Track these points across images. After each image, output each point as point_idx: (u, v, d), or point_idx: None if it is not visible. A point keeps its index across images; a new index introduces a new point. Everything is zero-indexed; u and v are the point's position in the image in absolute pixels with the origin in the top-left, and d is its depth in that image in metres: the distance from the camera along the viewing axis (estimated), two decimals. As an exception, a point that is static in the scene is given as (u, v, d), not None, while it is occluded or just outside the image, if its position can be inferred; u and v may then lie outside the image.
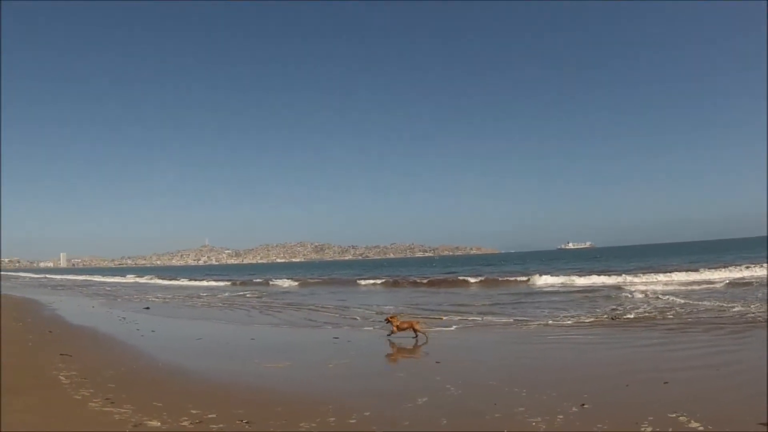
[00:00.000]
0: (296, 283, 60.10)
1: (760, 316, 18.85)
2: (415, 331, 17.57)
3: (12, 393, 10.46)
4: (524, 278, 42.20)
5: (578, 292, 32.78)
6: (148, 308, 33.43)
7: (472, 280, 49.05)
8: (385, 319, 18.96)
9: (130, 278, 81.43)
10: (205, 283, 57.58)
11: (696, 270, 41.13)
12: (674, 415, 8.18)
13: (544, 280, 38.81)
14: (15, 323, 23.13)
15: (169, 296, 44.72)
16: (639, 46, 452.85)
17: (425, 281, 53.94)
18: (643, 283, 34.85)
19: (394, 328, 17.69)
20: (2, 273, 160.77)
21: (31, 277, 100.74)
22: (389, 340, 17.37)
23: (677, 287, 31.90)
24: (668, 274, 38.70)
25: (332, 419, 8.97)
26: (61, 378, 12.03)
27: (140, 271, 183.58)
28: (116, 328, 22.21)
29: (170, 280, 75.46)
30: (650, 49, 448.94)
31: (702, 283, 33.68)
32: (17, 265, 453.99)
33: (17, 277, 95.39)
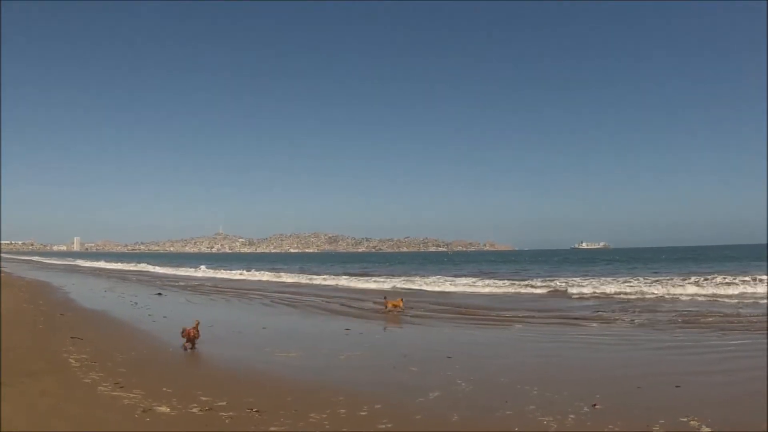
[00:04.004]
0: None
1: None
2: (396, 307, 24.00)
3: (27, 376, 10.65)
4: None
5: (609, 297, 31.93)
6: (160, 294, 33.70)
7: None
8: (384, 298, 25.83)
9: (188, 270, 74.52)
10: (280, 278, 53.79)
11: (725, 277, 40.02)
12: (685, 419, 8.20)
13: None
14: (26, 305, 23.43)
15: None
16: (666, 44, 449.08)
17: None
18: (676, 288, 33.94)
19: (387, 305, 24.24)
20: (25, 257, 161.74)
21: (82, 266, 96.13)
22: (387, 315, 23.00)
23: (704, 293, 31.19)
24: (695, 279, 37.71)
25: (343, 411, 9.07)
26: (72, 361, 12.24)
27: (154, 257, 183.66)
28: (128, 313, 22.51)
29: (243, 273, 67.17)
30: (675, 47, 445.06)
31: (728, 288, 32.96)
32: (31, 248, 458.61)
33: (52, 265, 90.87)
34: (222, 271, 68.41)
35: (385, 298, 25.96)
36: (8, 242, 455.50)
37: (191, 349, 14.12)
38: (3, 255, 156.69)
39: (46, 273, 59.28)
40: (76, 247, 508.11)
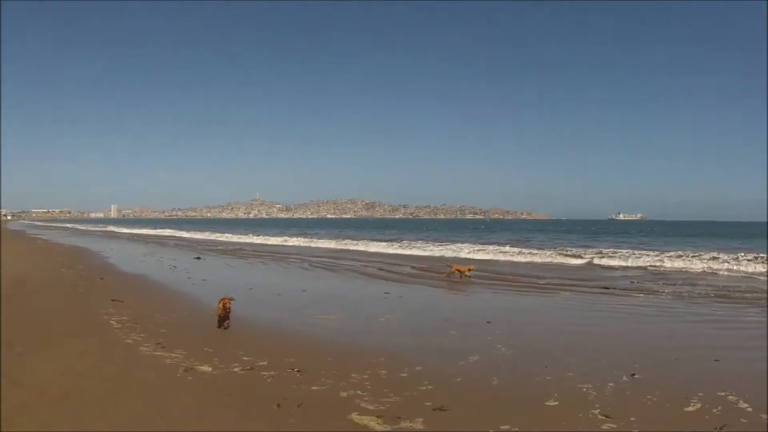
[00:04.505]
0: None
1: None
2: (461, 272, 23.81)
3: (67, 337, 10.80)
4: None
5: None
6: (199, 258, 34.01)
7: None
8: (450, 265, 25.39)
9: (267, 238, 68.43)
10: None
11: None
12: (723, 394, 7.97)
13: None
14: (66, 270, 23.78)
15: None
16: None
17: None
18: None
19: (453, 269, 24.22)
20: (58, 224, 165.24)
21: (117, 232, 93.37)
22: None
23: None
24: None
25: (383, 372, 9.04)
26: (113, 323, 12.38)
27: (191, 223, 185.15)
28: (167, 276, 22.78)
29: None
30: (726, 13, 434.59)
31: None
32: (68, 215, 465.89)
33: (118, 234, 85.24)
34: (259, 236, 68.90)
35: (450, 266, 25.39)
36: (45, 210, 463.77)
37: (225, 325, 12.25)
38: (38, 223, 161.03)
39: (84, 239, 60.15)
40: (113, 214, 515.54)
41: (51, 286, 18.31)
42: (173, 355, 9.70)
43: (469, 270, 24.02)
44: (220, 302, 12.23)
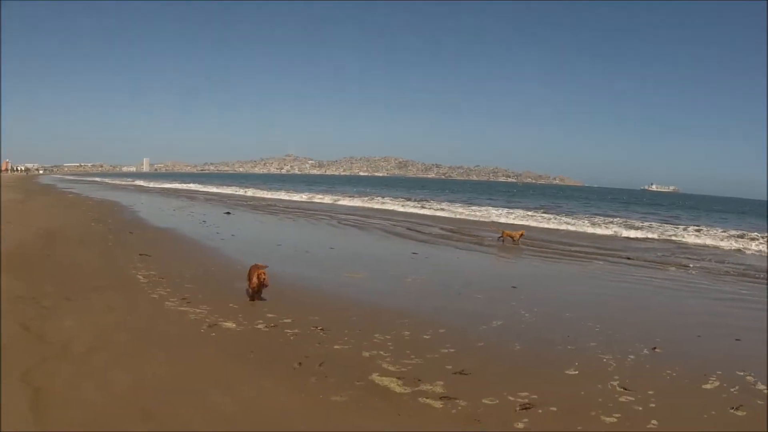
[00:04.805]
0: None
1: None
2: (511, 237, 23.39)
3: (94, 291, 10.90)
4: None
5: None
6: (228, 213, 34.22)
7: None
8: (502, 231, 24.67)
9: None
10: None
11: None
12: (742, 374, 7.82)
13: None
14: (95, 224, 24.01)
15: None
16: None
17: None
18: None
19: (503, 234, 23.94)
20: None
21: (147, 186, 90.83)
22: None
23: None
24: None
25: (407, 333, 9.05)
26: (140, 277, 12.47)
27: (221, 178, 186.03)
28: (196, 231, 22.92)
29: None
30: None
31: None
32: (100, 169, 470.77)
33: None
34: (290, 192, 69.22)
35: (500, 230, 24.96)
36: (78, 164, 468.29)
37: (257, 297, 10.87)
38: (69, 177, 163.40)
39: (115, 193, 60.73)
40: (145, 168, 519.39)
41: (80, 240, 18.49)
42: (197, 310, 9.76)
43: (521, 235, 23.61)
44: (253, 273, 10.74)
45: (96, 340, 7.79)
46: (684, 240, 29.85)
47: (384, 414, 6.07)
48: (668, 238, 30.39)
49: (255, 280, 10.60)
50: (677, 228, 35.70)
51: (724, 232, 34.01)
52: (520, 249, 21.77)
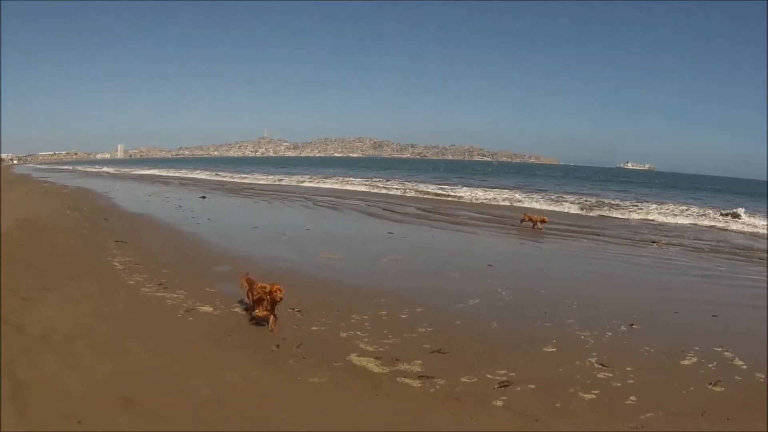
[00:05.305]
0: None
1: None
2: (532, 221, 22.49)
3: (70, 279, 10.87)
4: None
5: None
6: (204, 197, 34.04)
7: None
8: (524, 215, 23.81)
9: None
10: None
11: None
12: (719, 349, 8.06)
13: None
14: (70, 212, 23.80)
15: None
16: None
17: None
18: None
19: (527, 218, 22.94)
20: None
21: (122, 172, 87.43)
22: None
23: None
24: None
25: (384, 312, 9.19)
26: (116, 264, 12.45)
27: (197, 162, 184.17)
28: (172, 216, 22.80)
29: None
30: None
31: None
32: (74, 157, 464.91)
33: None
34: (266, 175, 68.87)
35: (524, 214, 23.90)
36: (51, 153, 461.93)
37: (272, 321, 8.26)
38: (43, 166, 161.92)
39: (90, 180, 60.08)
40: (119, 155, 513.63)
41: (55, 228, 18.33)
42: (174, 295, 9.81)
43: (542, 221, 22.46)
44: (266, 290, 8.17)
45: (75, 330, 7.81)
46: (660, 218, 30.02)
47: (363, 394, 6.18)
48: (644, 216, 30.60)
49: (267, 298, 8.15)
50: (653, 205, 36.02)
51: (701, 209, 34.43)
52: (492, 226, 21.94)
